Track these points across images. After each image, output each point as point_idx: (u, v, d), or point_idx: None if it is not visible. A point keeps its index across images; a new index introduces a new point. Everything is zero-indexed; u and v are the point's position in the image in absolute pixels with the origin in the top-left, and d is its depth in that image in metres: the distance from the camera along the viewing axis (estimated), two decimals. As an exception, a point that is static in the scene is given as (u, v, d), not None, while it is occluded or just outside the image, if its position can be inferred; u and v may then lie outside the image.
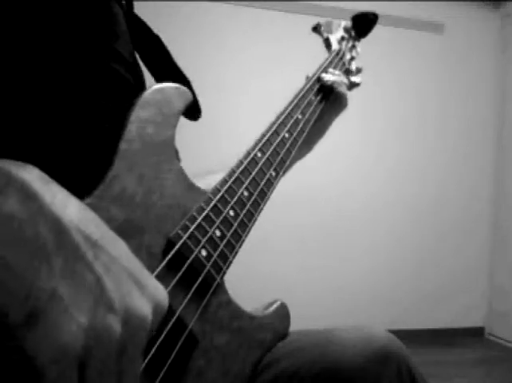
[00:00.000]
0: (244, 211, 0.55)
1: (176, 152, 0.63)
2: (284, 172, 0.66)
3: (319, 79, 0.81)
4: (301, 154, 0.84)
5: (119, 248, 0.31)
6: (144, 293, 0.30)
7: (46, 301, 0.25)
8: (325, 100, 0.81)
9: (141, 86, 0.58)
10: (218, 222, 0.51)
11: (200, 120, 0.64)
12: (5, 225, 0.26)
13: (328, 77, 0.81)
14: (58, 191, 0.29)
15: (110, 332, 0.27)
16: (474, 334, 3.16)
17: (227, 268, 0.51)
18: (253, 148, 0.62)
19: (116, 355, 0.28)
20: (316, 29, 0.96)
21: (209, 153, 2.48)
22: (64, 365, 0.25)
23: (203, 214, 0.50)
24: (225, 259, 0.51)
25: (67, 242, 0.27)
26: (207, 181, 0.56)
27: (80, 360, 0.26)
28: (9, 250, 0.25)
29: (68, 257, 0.27)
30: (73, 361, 0.25)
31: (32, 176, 0.28)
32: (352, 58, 0.96)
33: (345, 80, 0.84)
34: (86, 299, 0.27)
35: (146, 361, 0.40)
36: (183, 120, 0.57)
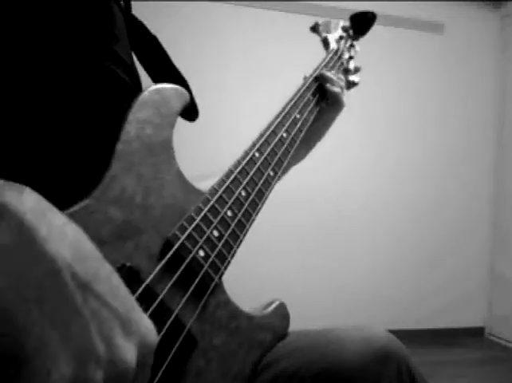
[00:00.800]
0: (242, 211, 0.55)
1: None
2: (282, 173, 0.66)
3: (316, 78, 0.81)
4: (300, 155, 0.83)
5: (111, 285, 0.30)
6: (131, 335, 0.30)
7: (33, 343, 0.25)
8: (324, 100, 0.81)
9: (138, 87, 0.58)
10: (215, 222, 0.51)
11: (200, 120, 0.64)
12: None
13: (325, 76, 0.81)
14: (54, 220, 0.29)
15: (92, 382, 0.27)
16: (474, 334, 3.16)
17: (225, 268, 0.51)
18: (251, 148, 0.61)
19: None
20: (314, 28, 0.96)
21: (208, 154, 2.48)
22: None
23: (201, 214, 0.50)
24: (223, 259, 0.51)
25: (58, 286, 0.27)
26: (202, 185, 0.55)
27: None
28: None
29: (58, 302, 0.26)
30: None
31: (27, 206, 0.27)
32: (351, 57, 0.95)
33: (341, 83, 0.84)
34: (71, 347, 0.26)
35: None
36: (182, 121, 0.57)
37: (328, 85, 0.80)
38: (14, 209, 0.26)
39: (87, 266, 0.29)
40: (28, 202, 0.27)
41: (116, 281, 0.31)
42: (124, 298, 0.31)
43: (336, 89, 0.81)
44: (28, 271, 0.26)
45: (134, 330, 0.30)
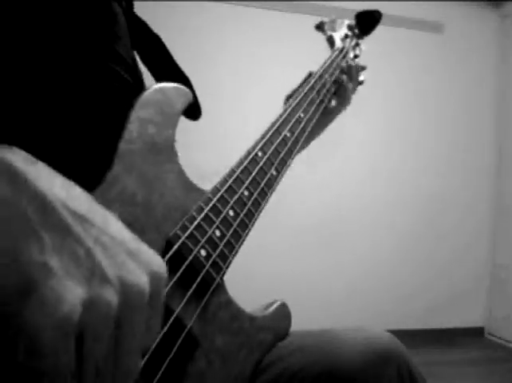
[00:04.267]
0: (244, 211, 0.55)
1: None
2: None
3: (341, 69, 0.82)
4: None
5: (108, 220, 0.30)
6: (138, 262, 0.30)
7: (38, 273, 0.25)
8: (330, 97, 0.81)
9: (140, 87, 0.58)
10: (217, 222, 0.51)
11: (200, 120, 0.64)
12: None
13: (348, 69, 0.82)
14: (43, 169, 0.29)
15: (106, 302, 0.27)
16: (474, 334, 3.16)
17: (227, 268, 0.51)
18: (253, 148, 0.61)
19: (114, 326, 0.27)
20: (319, 27, 0.96)
21: (209, 154, 2.48)
22: (62, 336, 0.25)
23: (203, 214, 0.50)
24: (224, 259, 0.51)
25: (54, 218, 0.27)
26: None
27: (77, 330, 0.26)
28: None
29: (56, 232, 0.27)
30: (71, 331, 0.25)
31: (17, 157, 0.28)
32: (356, 56, 0.95)
33: (356, 81, 0.85)
34: (79, 271, 0.26)
35: (143, 361, 0.40)
36: (184, 120, 0.57)
37: (345, 78, 0.81)
38: (5, 157, 0.27)
39: (81, 203, 0.29)
40: (17, 154, 0.28)
41: (113, 218, 0.31)
42: (124, 231, 0.31)
43: (351, 85, 0.81)
44: (21, 207, 0.26)
45: (142, 259, 0.30)
